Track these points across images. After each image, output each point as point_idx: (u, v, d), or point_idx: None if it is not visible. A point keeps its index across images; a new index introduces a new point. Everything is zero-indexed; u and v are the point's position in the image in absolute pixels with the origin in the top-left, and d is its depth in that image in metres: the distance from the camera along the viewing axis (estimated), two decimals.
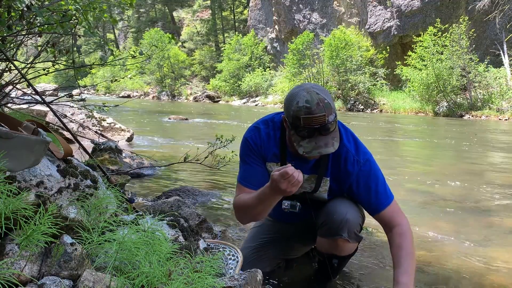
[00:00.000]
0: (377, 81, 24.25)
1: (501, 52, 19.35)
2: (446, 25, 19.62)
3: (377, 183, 1.72)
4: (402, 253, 1.64)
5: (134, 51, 3.37)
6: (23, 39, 2.88)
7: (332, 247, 1.78)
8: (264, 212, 1.70)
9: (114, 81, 3.84)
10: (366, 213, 1.86)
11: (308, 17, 29.93)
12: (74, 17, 2.67)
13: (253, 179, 1.75)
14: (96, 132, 5.91)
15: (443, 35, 19.38)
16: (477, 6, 20.07)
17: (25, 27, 2.59)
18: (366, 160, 1.73)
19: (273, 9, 32.99)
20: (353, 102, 23.80)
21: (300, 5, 30.26)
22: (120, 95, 38.22)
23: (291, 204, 1.82)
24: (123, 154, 4.70)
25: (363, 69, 24.52)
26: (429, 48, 19.69)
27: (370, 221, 1.90)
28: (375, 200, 1.72)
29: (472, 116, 18.06)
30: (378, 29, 24.40)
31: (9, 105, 3.47)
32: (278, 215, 2.07)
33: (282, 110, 1.74)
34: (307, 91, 1.54)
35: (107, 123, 7.06)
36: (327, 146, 1.56)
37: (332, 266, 1.88)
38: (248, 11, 39.41)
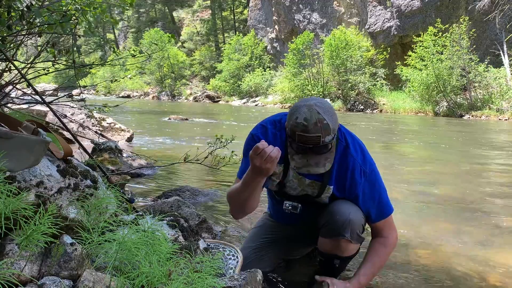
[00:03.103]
0: (377, 81, 24.24)
1: (501, 52, 19.35)
2: (446, 25, 19.61)
3: (380, 193, 1.76)
4: (375, 258, 1.78)
5: (134, 51, 3.37)
6: (23, 39, 2.89)
7: (335, 247, 1.78)
8: (251, 198, 1.69)
9: (114, 81, 3.83)
10: None
11: (308, 17, 29.92)
12: (74, 17, 2.67)
13: None
14: (96, 132, 5.91)
15: (443, 35, 19.38)
16: (477, 6, 20.07)
17: (25, 27, 2.59)
18: (372, 171, 1.75)
19: (273, 9, 32.98)
20: (353, 102, 23.80)
21: (300, 5, 30.25)
22: (120, 95, 38.21)
23: (292, 205, 1.82)
24: (123, 154, 4.69)
25: (363, 69, 24.51)
26: (429, 48, 19.68)
27: None
28: (377, 211, 1.77)
29: (472, 116, 18.06)
30: (378, 29, 24.39)
31: (9, 105, 3.46)
32: (279, 217, 2.06)
33: (286, 110, 1.75)
34: (309, 108, 1.53)
35: (107, 123, 7.05)
36: (318, 166, 1.57)
37: (333, 267, 1.87)
38: (248, 11, 39.39)
